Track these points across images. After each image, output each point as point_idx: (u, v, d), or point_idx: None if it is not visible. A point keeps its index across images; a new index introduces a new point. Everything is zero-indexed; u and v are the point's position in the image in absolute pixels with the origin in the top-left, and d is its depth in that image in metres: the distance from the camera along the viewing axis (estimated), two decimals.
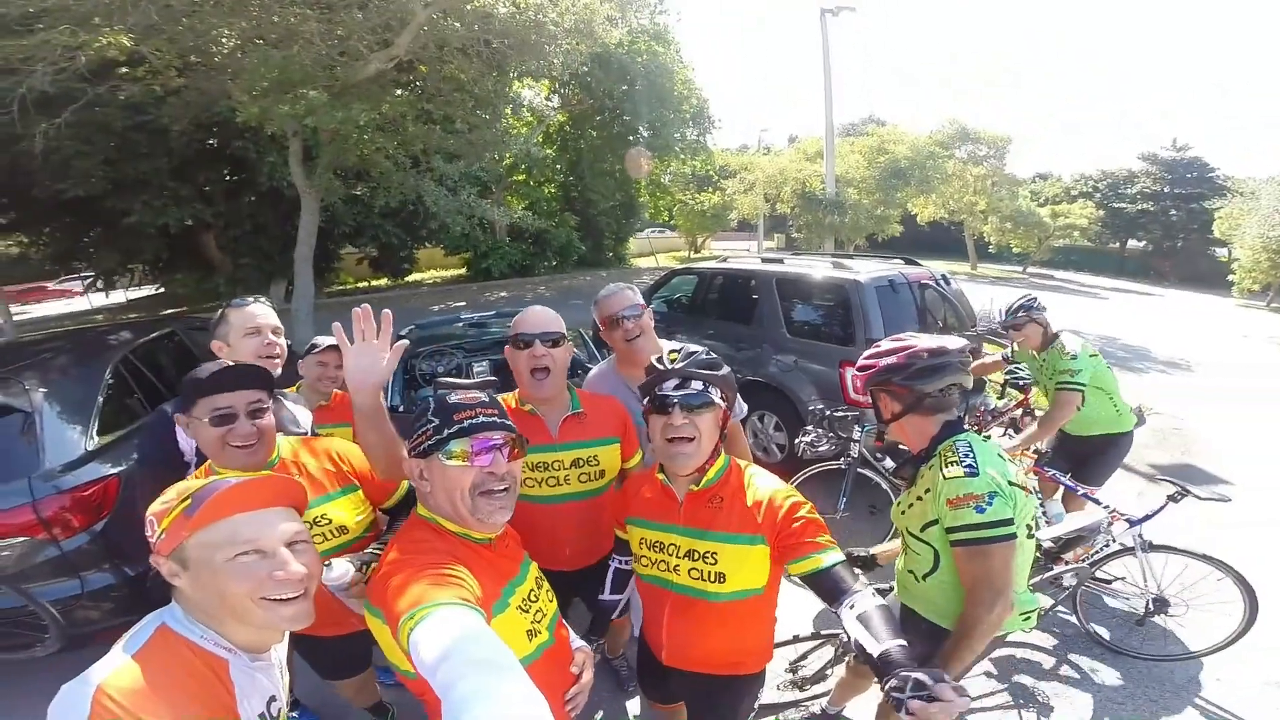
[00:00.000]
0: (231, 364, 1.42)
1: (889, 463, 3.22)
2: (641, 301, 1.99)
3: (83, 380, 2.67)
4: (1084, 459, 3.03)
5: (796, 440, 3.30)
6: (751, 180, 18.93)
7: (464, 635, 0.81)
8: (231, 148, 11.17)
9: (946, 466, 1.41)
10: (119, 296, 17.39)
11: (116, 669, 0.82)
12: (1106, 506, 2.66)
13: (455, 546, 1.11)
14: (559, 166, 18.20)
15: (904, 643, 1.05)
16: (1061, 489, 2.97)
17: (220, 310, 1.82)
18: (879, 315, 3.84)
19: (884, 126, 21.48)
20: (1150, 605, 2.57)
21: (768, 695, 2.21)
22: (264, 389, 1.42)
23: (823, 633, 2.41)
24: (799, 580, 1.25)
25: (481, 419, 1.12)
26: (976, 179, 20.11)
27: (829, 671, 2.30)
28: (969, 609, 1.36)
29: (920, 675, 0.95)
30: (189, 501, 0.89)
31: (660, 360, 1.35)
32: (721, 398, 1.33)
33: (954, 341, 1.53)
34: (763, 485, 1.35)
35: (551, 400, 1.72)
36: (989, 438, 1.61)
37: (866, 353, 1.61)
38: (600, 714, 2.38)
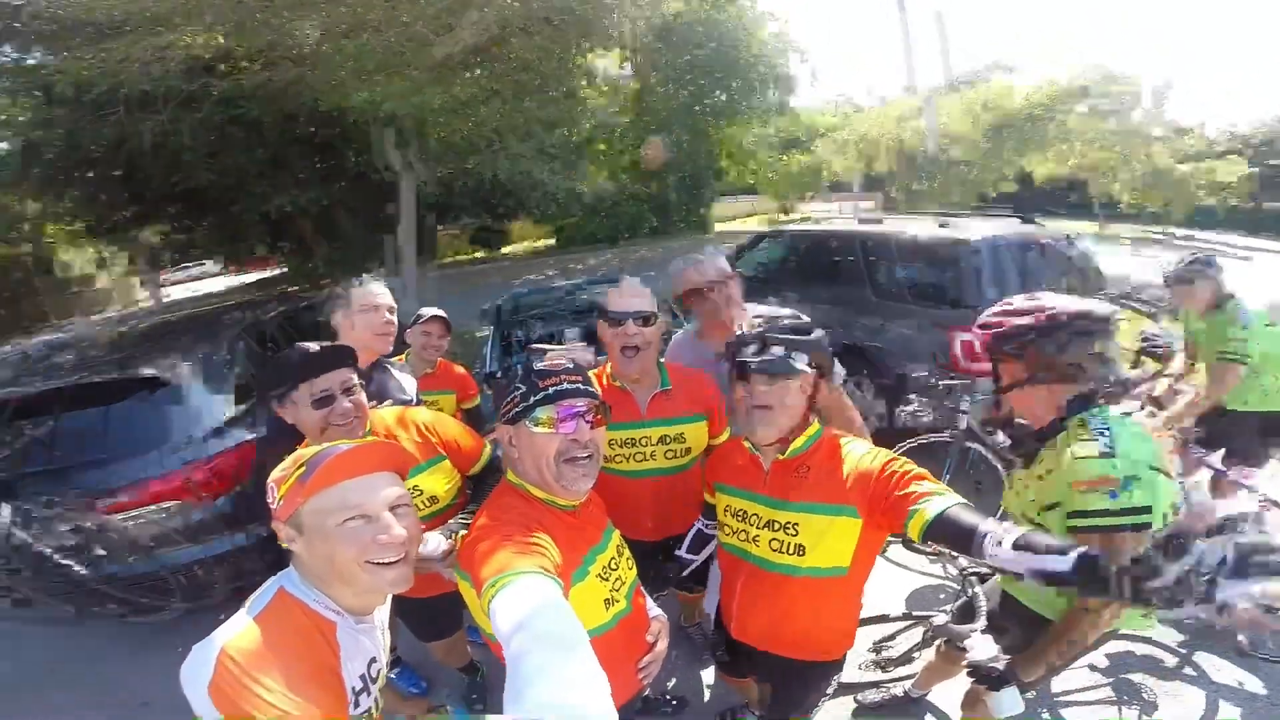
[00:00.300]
0: (320, 347, 1.47)
1: (1000, 437, 2.95)
2: (728, 268, 1.90)
3: (220, 354, 2.94)
4: (1238, 438, 2.66)
5: (897, 410, 3.10)
6: (845, 140, 18.06)
7: (538, 608, 0.83)
8: (321, 136, 11.74)
9: (1076, 444, 1.24)
10: (242, 279, 19.37)
11: (239, 631, 0.88)
12: (1260, 495, 2.32)
13: (541, 513, 1.12)
14: (635, 135, 18.13)
15: (1085, 548, 0.89)
16: (1209, 472, 2.61)
17: (340, 288, 1.94)
18: (992, 278, 3.52)
19: (1011, 72, 19.66)
20: None
21: (847, 674, 2.16)
22: (352, 367, 1.48)
23: (914, 614, 2.30)
24: (920, 546, 1.14)
25: (566, 385, 1.12)
26: (1104, 134, 17.96)
27: (916, 655, 2.19)
28: (1095, 606, 1.23)
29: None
30: (304, 468, 0.93)
31: (741, 327, 1.30)
32: (809, 364, 1.24)
33: (1101, 306, 1.34)
34: (853, 453, 1.27)
35: (642, 377, 1.70)
36: (1128, 414, 1.40)
37: (993, 310, 1.42)
38: (673, 681, 2.39)
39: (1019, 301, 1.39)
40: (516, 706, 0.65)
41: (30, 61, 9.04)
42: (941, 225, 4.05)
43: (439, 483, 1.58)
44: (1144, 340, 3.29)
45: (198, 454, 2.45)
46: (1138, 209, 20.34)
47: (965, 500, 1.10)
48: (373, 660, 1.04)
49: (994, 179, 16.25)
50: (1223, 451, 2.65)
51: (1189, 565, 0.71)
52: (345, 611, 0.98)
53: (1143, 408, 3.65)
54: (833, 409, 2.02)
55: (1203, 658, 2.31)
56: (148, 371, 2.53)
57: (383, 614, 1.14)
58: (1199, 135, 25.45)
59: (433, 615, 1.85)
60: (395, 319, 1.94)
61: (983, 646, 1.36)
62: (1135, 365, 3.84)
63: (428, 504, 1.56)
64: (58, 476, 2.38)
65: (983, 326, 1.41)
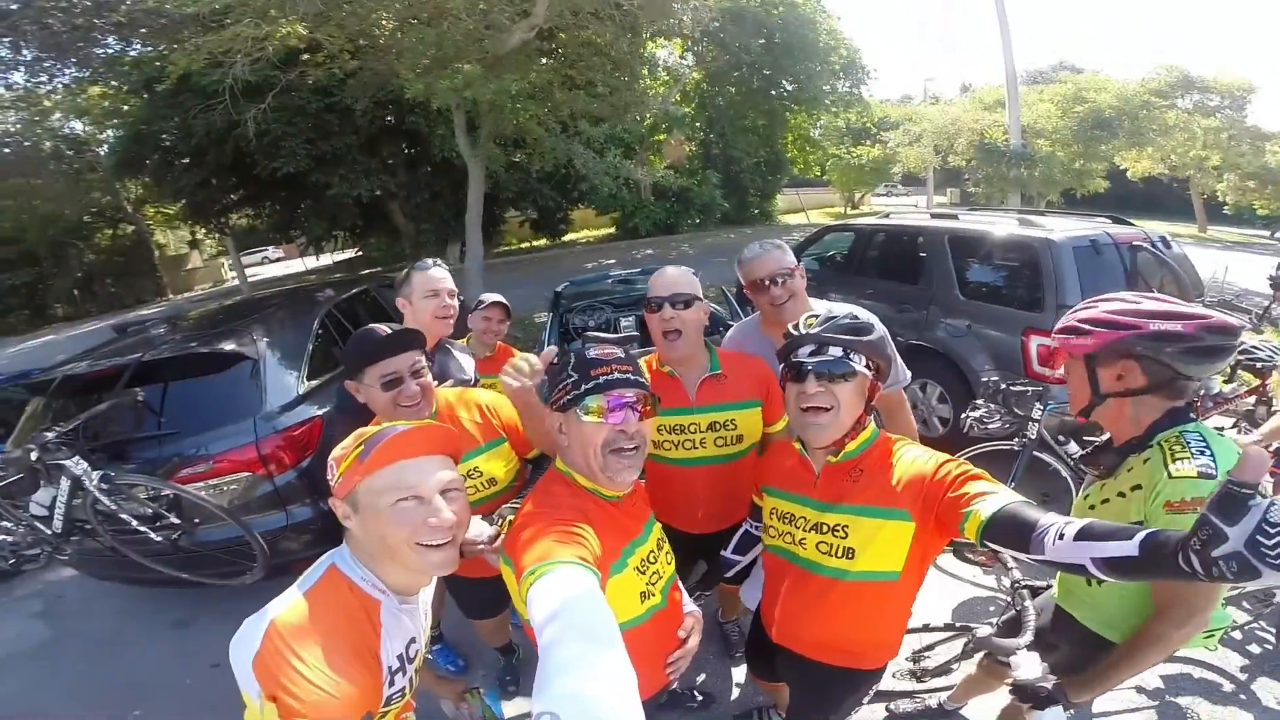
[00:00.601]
0: (390, 330, 1.50)
1: (1072, 447, 2.75)
2: (793, 262, 1.82)
3: (296, 331, 3.08)
4: None
5: (964, 415, 2.94)
6: (918, 132, 17.36)
7: (573, 599, 0.82)
8: (407, 123, 12.46)
9: (1174, 462, 1.12)
10: (327, 260, 20.61)
11: (289, 605, 0.91)
12: None
13: (585, 503, 1.13)
14: (698, 124, 18.13)
15: (1153, 529, 0.80)
16: None
17: (405, 271, 2.00)
18: (1076, 279, 3.27)
19: (1080, 74, 18.60)
20: None
21: (882, 682, 2.11)
22: (420, 350, 1.52)
23: (957, 625, 2.21)
24: (970, 555, 1.07)
25: (616, 375, 1.11)
26: (1207, 131, 16.62)
27: (954, 666, 2.11)
28: (1157, 624, 1.16)
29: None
30: (362, 448, 0.95)
31: (796, 325, 1.23)
32: (867, 366, 1.19)
33: (1236, 319, 1.19)
34: (909, 456, 1.20)
35: (687, 361, 1.68)
36: (1221, 430, 1.26)
37: (1112, 307, 1.21)
38: (703, 676, 2.37)
39: (1147, 302, 1.21)
40: (543, 695, 0.65)
41: (132, 54, 9.89)
42: (1021, 222, 3.80)
43: (498, 465, 1.61)
44: (1241, 352, 2.98)
45: (271, 428, 2.56)
46: (1242, 210, 18.64)
47: (1026, 499, 1.01)
48: (412, 640, 1.07)
49: (1084, 176, 15.33)
50: None
51: (1254, 523, 0.63)
52: (391, 591, 1.00)
53: (1235, 425, 3.33)
54: (892, 412, 1.94)
55: (1264, 684, 2.13)
56: (227, 347, 2.67)
57: (427, 595, 1.16)
58: None
59: (481, 595, 1.90)
60: (456, 303, 2.00)
61: (1030, 665, 1.27)
62: (1230, 379, 3.50)
63: (486, 486, 1.58)
64: (139, 446, 2.54)
65: (1102, 324, 1.21)
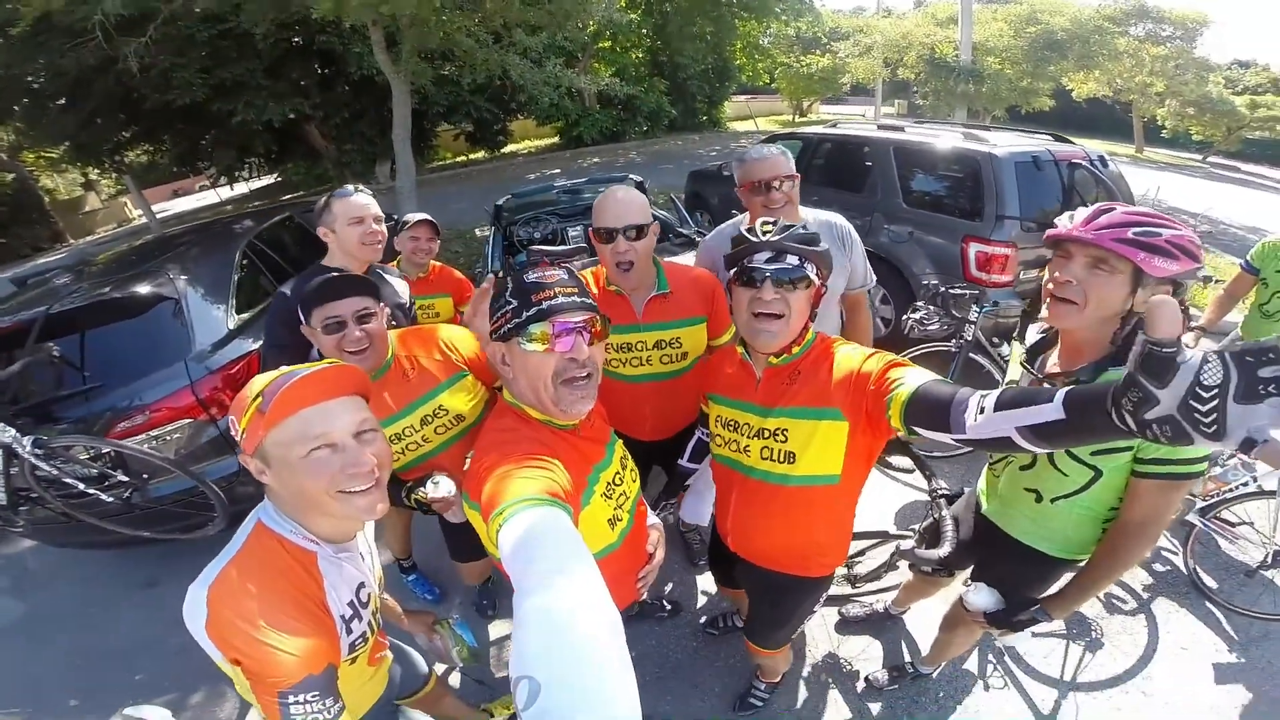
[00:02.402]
0: (336, 274, 1.45)
1: (1006, 349, 2.92)
2: (793, 169, 1.81)
3: (217, 265, 2.87)
4: None
5: (904, 317, 3.07)
6: (868, 43, 17.12)
7: (540, 540, 0.77)
8: (318, 43, 11.36)
9: None
10: (242, 189, 18.97)
11: (222, 570, 0.88)
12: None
13: (541, 433, 1.08)
14: (645, 31, 17.21)
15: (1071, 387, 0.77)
16: None
17: (325, 199, 1.87)
18: (1015, 192, 3.43)
19: None
20: (1271, 558, 2.26)
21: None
22: (370, 296, 1.45)
23: (883, 532, 2.32)
24: (912, 430, 0.99)
25: (561, 300, 1.03)
26: (1155, 59, 17.13)
27: (883, 573, 2.23)
28: (1129, 544, 1.19)
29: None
30: (260, 399, 0.88)
31: (753, 231, 1.20)
32: (817, 274, 1.19)
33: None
34: (840, 354, 1.20)
35: (639, 284, 1.66)
36: None
37: (1175, 233, 1.05)
38: (669, 585, 2.47)
39: (1155, 215, 1.10)
40: (520, 659, 0.59)
41: None
42: (965, 136, 3.87)
43: (463, 400, 1.57)
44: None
45: (204, 369, 2.42)
46: (1179, 134, 19.50)
47: (942, 378, 1.00)
48: (361, 585, 1.05)
49: (1029, 94, 15.55)
50: None
51: (1185, 385, 0.58)
52: (323, 540, 0.97)
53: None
54: (853, 312, 2.06)
55: (1162, 604, 2.29)
56: (143, 289, 2.47)
57: (366, 537, 1.13)
58: (1262, 70, 23.86)
59: (470, 538, 1.91)
60: (383, 228, 1.90)
61: (982, 597, 1.37)
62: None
63: (454, 423, 1.55)
64: (65, 404, 2.36)
65: (1179, 248, 1.04)
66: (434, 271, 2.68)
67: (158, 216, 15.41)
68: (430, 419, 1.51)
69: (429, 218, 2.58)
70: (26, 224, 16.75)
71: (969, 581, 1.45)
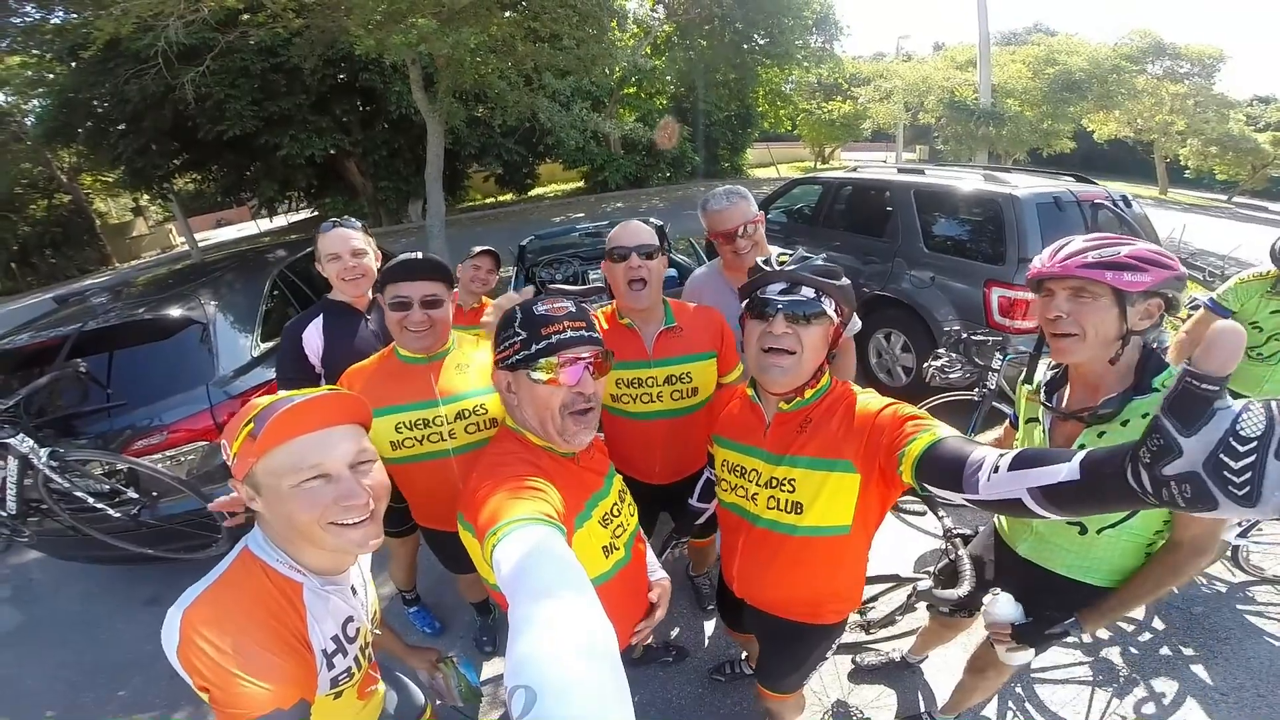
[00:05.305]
0: (411, 257, 1.50)
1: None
2: (756, 211, 1.85)
3: (247, 293, 2.95)
4: None
5: (926, 364, 3.00)
6: (889, 88, 17.45)
7: (537, 556, 0.77)
8: (360, 80, 12.01)
9: None
10: (280, 221, 19.82)
11: (199, 595, 0.85)
12: None
13: (540, 459, 1.08)
14: (669, 78, 17.83)
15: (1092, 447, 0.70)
16: None
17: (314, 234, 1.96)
18: (1038, 234, 3.36)
19: (1053, 36, 18.97)
20: None
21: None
22: (441, 282, 1.50)
23: (898, 575, 2.23)
24: (908, 509, 1.03)
25: (570, 334, 1.04)
26: (1174, 97, 17.17)
27: (898, 618, 2.16)
28: (1180, 564, 1.16)
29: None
30: (252, 425, 0.84)
31: (767, 262, 1.17)
32: (836, 310, 1.14)
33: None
34: (856, 405, 1.14)
35: (647, 312, 1.67)
36: None
37: (1140, 248, 1.09)
38: (676, 630, 2.41)
39: (1143, 246, 1.11)
40: (512, 666, 0.60)
41: (55, 21, 9.16)
42: (986, 178, 3.86)
43: (500, 407, 1.58)
44: (1194, 308, 3.09)
45: (224, 394, 2.47)
46: (1202, 174, 19.36)
47: (963, 435, 0.94)
48: (349, 619, 1.01)
49: (1050, 136, 15.65)
50: None
51: (1217, 436, 0.47)
52: (312, 572, 0.94)
53: None
54: (840, 352, 1.97)
55: (1197, 647, 2.18)
56: (174, 312, 2.55)
57: (361, 569, 1.11)
58: None
59: (462, 550, 1.90)
60: (365, 261, 1.93)
61: (1005, 607, 1.30)
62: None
63: (487, 425, 1.55)
64: (88, 419, 2.42)
65: (1144, 260, 1.08)
66: (484, 306, 2.64)
67: (200, 245, 16.15)
68: (467, 414, 1.52)
69: (492, 249, 2.61)
70: (77, 246, 17.73)
71: (994, 590, 1.37)
